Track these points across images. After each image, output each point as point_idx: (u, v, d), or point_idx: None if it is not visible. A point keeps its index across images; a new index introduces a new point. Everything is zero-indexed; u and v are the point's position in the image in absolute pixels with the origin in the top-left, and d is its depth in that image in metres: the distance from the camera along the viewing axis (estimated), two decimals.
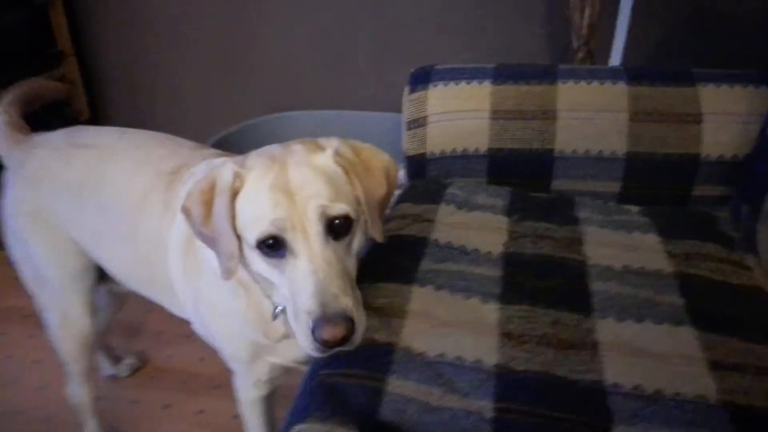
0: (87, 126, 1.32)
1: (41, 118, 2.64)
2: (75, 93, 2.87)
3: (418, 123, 1.49)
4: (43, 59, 2.68)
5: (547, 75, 1.45)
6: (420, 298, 1.06)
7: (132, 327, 2.01)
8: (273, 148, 0.93)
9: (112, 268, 1.27)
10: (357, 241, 0.90)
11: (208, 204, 0.89)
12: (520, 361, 0.92)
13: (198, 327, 1.18)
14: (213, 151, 1.21)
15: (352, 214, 0.86)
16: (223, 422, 1.63)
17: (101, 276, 1.35)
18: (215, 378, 1.78)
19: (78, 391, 1.47)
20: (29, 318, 2.07)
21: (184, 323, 1.25)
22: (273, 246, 0.84)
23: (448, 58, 1.62)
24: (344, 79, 2.73)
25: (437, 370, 0.91)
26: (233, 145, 2.14)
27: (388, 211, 2.15)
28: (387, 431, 0.82)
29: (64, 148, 1.24)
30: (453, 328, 0.99)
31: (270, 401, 1.24)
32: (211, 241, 0.91)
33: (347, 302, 0.81)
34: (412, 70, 1.56)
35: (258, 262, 0.88)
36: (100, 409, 1.53)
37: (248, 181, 0.87)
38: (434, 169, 1.52)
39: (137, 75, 2.96)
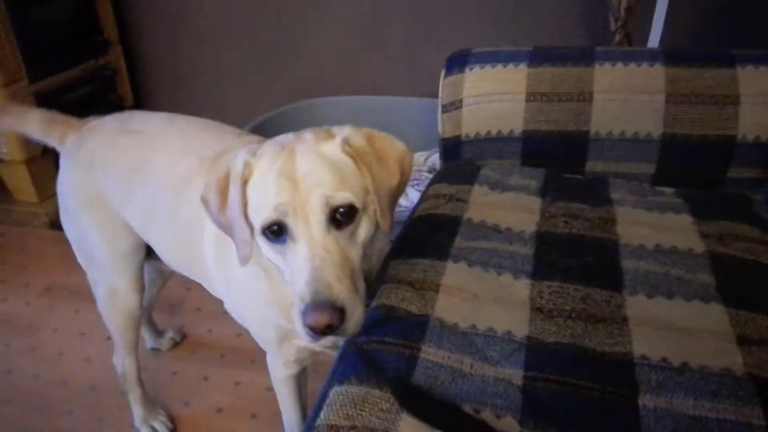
0: (138, 111, 1.36)
1: (87, 104, 2.76)
2: (119, 80, 2.96)
3: (453, 105, 1.51)
4: (89, 47, 2.77)
5: (584, 57, 1.45)
6: (453, 273, 1.09)
7: (173, 303, 2.09)
8: (286, 137, 0.94)
9: (159, 249, 1.32)
10: (363, 229, 0.89)
11: (224, 193, 0.92)
12: (550, 334, 0.95)
13: (230, 308, 1.22)
14: (255, 137, 1.25)
15: (357, 204, 0.86)
16: (258, 394, 1.69)
17: (148, 254, 1.41)
18: (251, 353, 1.84)
19: (124, 362, 1.53)
20: (75, 294, 2.18)
21: (221, 301, 1.31)
22: (276, 232, 0.86)
23: (483, 43, 1.63)
24: (379, 65, 2.76)
25: (469, 340, 0.94)
26: (271, 130, 2.19)
27: (407, 204, 2.18)
28: (420, 395, 0.86)
29: (117, 134, 1.29)
30: (485, 301, 1.02)
31: (301, 378, 1.29)
32: (227, 229, 0.94)
33: (340, 291, 0.81)
34: (449, 54, 1.58)
35: (265, 248, 0.90)
36: (143, 380, 1.60)
37: (257, 168, 0.89)
38: (468, 151, 1.54)
39: (179, 62, 3.04)
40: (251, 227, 0.90)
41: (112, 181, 1.27)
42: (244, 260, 0.92)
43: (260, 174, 0.88)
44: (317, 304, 0.79)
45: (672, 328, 0.94)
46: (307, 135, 0.92)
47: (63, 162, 1.35)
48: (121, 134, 1.28)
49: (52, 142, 1.38)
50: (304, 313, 0.80)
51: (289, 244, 0.86)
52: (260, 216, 0.86)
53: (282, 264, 0.89)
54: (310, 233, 0.83)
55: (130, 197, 1.26)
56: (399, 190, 0.94)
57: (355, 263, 0.87)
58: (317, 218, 0.83)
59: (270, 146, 0.92)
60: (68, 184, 1.34)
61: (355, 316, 0.83)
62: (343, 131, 0.92)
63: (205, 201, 0.96)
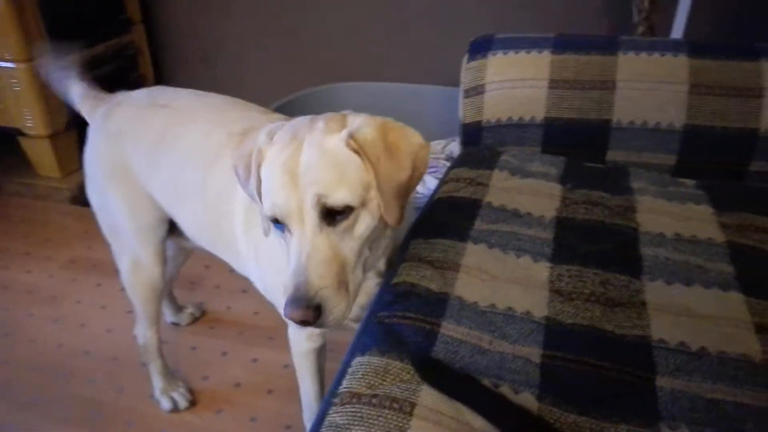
0: (166, 87, 1.39)
1: (109, 82, 2.78)
2: (141, 59, 2.99)
3: (475, 91, 1.52)
4: (113, 25, 2.80)
5: (608, 45, 1.46)
6: (473, 254, 1.10)
7: (193, 280, 2.12)
8: (302, 121, 0.94)
9: (184, 223, 1.35)
10: (363, 224, 0.89)
11: (248, 167, 0.95)
12: (568, 315, 0.96)
13: (257, 282, 1.25)
14: (279, 115, 1.27)
15: (353, 203, 0.86)
16: (275, 371, 1.73)
17: (170, 229, 1.44)
18: (269, 330, 1.88)
19: (145, 333, 1.57)
20: (97, 267, 2.22)
21: (240, 279, 1.33)
22: (277, 220, 0.89)
23: (504, 31, 1.63)
24: (400, 52, 2.77)
25: (488, 318, 0.96)
26: (291, 113, 2.21)
27: (424, 190, 2.19)
28: (439, 369, 0.88)
29: (145, 107, 1.31)
30: (504, 282, 1.04)
31: (321, 353, 1.31)
32: (254, 201, 0.97)
33: (320, 289, 0.82)
34: (472, 39, 1.59)
35: (273, 228, 0.94)
36: (163, 352, 1.63)
37: (268, 155, 0.91)
38: (489, 137, 1.55)
39: (200, 42, 3.06)
40: None
41: (139, 153, 1.29)
42: (266, 232, 0.96)
43: (270, 161, 0.90)
44: (295, 299, 0.82)
45: (690, 314, 0.95)
46: (320, 124, 0.91)
47: (91, 133, 1.38)
48: (149, 108, 1.31)
49: (84, 112, 1.42)
50: (284, 305, 0.83)
51: (286, 233, 0.89)
52: (265, 204, 0.89)
53: (286, 248, 0.91)
54: (302, 229, 0.85)
55: (156, 170, 1.29)
56: (411, 184, 0.92)
57: (348, 258, 0.88)
58: (309, 215, 0.85)
59: (284, 133, 0.92)
60: (95, 154, 1.37)
61: (335, 312, 0.84)
62: (356, 121, 0.91)
63: (235, 171, 0.99)
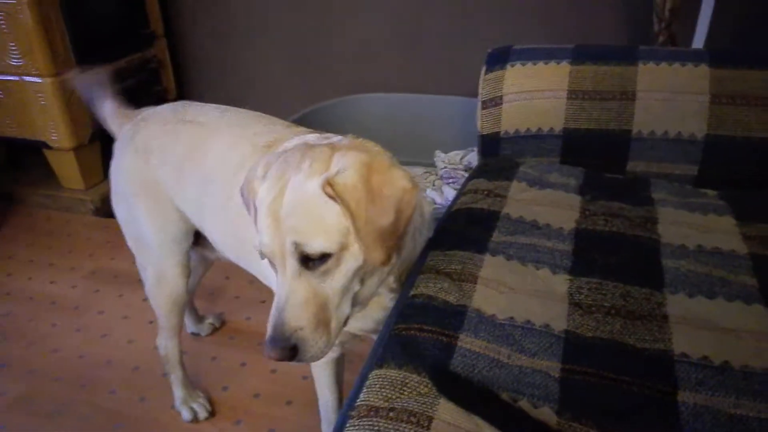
0: (191, 102, 1.41)
1: (132, 95, 2.83)
2: (164, 72, 3.04)
3: (493, 102, 1.52)
4: (136, 39, 2.85)
5: (628, 55, 1.45)
6: (491, 266, 1.10)
7: (213, 291, 2.14)
8: (292, 156, 0.92)
9: (210, 235, 1.36)
10: (344, 268, 0.89)
11: (248, 196, 0.97)
12: (589, 329, 0.95)
13: None
14: (304, 129, 1.27)
15: (331, 249, 0.86)
16: (294, 381, 1.73)
17: (195, 240, 1.45)
18: None
19: (167, 344, 1.58)
20: (119, 278, 2.25)
21: (260, 289, 1.34)
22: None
23: (522, 42, 1.63)
24: (418, 63, 2.78)
25: (506, 332, 0.95)
26: (310, 124, 2.23)
27: (442, 201, 2.19)
28: (457, 382, 0.87)
29: (172, 123, 1.33)
30: (523, 295, 1.03)
31: (339, 364, 1.32)
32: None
33: (296, 330, 0.85)
34: (490, 50, 1.59)
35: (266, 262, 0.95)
36: (184, 364, 1.64)
37: (259, 193, 0.92)
38: (507, 148, 1.55)
39: (221, 56, 3.11)
40: None
41: (167, 168, 1.31)
42: (261, 257, 0.95)
43: (259, 200, 0.91)
44: (272, 339, 0.85)
45: (713, 328, 0.94)
46: (305, 164, 0.89)
47: (118, 148, 1.40)
48: (176, 124, 1.32)
49: (113, 129, 1.46)
50: (265, 342, 0.86)
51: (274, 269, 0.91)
52: (256, 240, 0.91)
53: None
54: (283, 272, 0.88)
55: (184, 184, 1.30)
56: (397, 227, 0.89)
57: (329, 298, 0.89)
58: (289, 261, 0.87)
59: (274, 170, 0.92)
60: (122, 169, 1.39)
61: (312, 350, 0.87)
62: (340, 161, 0.88)
63: (241, 193, 1.01)
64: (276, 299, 0.88)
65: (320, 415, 1.39)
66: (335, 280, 0.89)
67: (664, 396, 0.84)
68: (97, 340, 1.97)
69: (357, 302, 0.98)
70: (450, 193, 2.42)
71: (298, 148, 0.95)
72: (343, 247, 0.87)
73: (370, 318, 1.11)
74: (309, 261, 0.86)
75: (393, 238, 0.89)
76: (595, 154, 1.46)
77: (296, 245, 0.85)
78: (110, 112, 1.47)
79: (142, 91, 2.88)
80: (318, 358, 0.89)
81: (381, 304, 1.10)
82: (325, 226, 0.86)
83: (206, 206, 1.29)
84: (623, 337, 0.93)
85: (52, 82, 2.45)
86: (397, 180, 0.89)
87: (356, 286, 0.93)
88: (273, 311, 0.87)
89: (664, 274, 1.06)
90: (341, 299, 0.91)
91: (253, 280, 1.33)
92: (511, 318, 0.98)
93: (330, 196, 0.86)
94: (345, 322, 0.94)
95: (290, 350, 0.85)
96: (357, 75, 2.89)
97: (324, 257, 0.86)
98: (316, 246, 0.85)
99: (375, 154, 0.92)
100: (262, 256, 0.91)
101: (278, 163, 0.93)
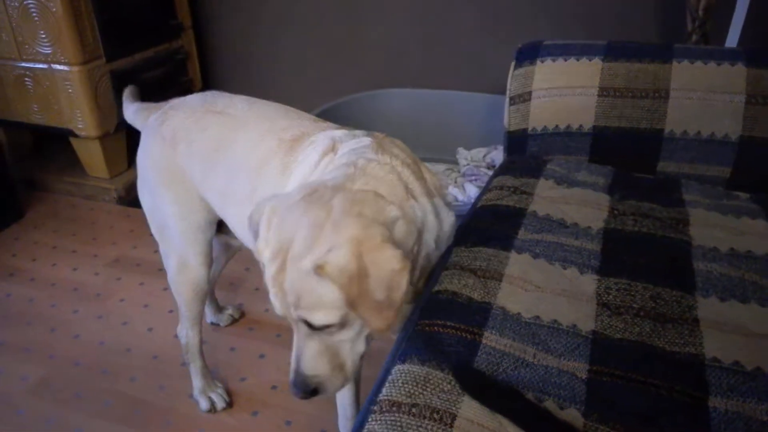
0: (220, 92, 1.40)
1: (159, 85, 2.85)
2: (190, 63, 3.05)
3: (522, 98, 1.50)
4: (164, 31, 2.86)
5: (662, 53, 1.42)
6: (517, 264, 1.08)
7: (233, 282, 2.14)
8: (293, 212, 0.91)
9: (234, 226, 1.36)
10: (350, 330, 0.92)
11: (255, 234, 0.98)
12: (617, 330, 0.93)
13: None
14: (330, 124, 1.27)
15: (333, 321, 0.89)
16: None
17: (218, 228, 1.45)
18: None
19: (188, 333, 1.58)
20: (141, 267, 2.26)
21: None
22: None
23: (551, 38, 1.61)
24: (444, 58, 2.76)
25: (532, 331, 0.93)
26: (334, 119, 2.23)
27: (464, 199, 2.17)
28: (481, 380, 0.86)
29: (201, 113, 1.33)
30: (549, 294, 1.01)
31: None
32: None
33: (314, 377, 0.92)
34: (520, 46, 1.56)
35: None
36: (203, 354, 1.65)
37: (263, 257, 0.92)
38: (534, 145, 1.52)
39: (247, 49, 3.11)
40: None
41: (194, 158, 1.31)
42: None
43: (265, 265, 0.92)
44: (294, 385, 0.94)
45: (746, 333, 0.91)
46: (301, 233, 0.88)
47: (145, 136, 1.41)
48: (205, 114, 1.32)
49: (138, 124, 1.48)
50: (290, 383, 0.95)
51: None
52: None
53: None
54: (296, 330, 0.93)
55: (210, 175, 1.30)
56: (390, 302, 0.87)
57: (340, 347, 0.93)
58: (299, 326, 0.92)
59: (274, 235, 0.91)
60: (149, 157, 1.39)
61: (331, 389, 0.95)
62: (332, 239, 0.86)
63: (249, 220, 1.01)
64: (294, 349, 0.94)
65: (337, 409, 1.38)
66: (344, 334, 0.93)
67: (695, 401, 0.82)
68: (117, 328, 1.98)
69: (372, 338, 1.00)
70: (472, 190, 2.39)
71: (300, 199, 0.92)
72: (345, 317, 0.89)
73: None
74: (316, 326, 0.90)
75: (390, 309, 0.87)
76: (625, 153, 1.43)
77: (302, 318, 0.89)
78: (134, 110, 1.51)
79: (168, 82, 2.90)
80: (335, 392, 0.97)
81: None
82: (323, 303, 0.87)
83: (230, 197, 1.29)
84: (653, 340, 0.91)
85: (80, 71, 2.47)
86: (385, 262, 0.86)
87: (366, 331, 0.95)
88: (293, 359, 0.94)
89: (695, 277, 1.04)
90: (352, 345, 0.95)
91: None
92: (537, 317, 0.96)
93: (324, 276, 0.86)
94: (362, 358, 0.98)
95: (311, 392, 0.94)
96: (383, 69, 2.87)
97: (329, 325, 0.90)
98: (317, 319, 0.89)
99: (368, 226, 0.88)
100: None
101: (278, 223, 0.92)
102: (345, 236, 0.86)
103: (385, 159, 1.02)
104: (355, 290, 0.85)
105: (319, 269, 0.85)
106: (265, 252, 0.92)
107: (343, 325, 0.90)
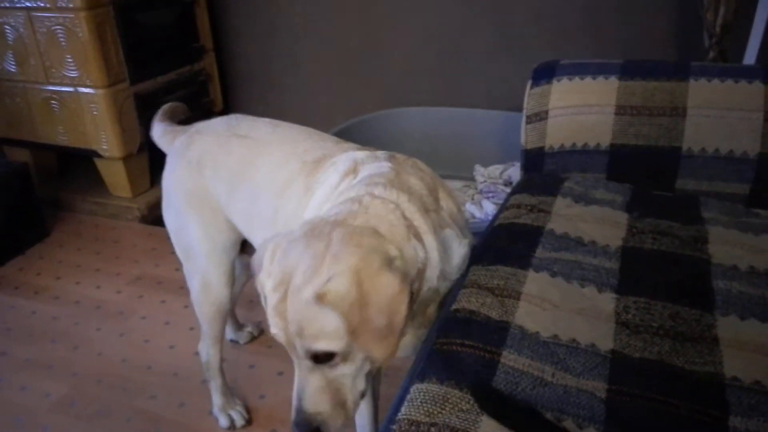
0: (244, 116, 1.43)
1: None
2: (212, 85, 3.11)
3: (538, 117, 1.51)
4: (186, 53, 2.93)
5: (678, 72, 1.42)
6: (534, 282, 1.08)
7: (252, 300, 2.16)
8: (296, 247, 0.92)
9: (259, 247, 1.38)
10: (353, 361, 0.92)
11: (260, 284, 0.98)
12: (636, 349, 0.93)
13: None
14: (353, 145, 1.29)
15: (336, 349, 0.88)
16: None
17: (241, 248, 1.48)
18: None
19: (209, 351, 1.60)
20: (162, 285, 2.29)
21: None
22: None
23: (566, 58, 1.62)
24: (459, 77, 2.78)
25: (551, 350, 0.93)
26: (351, 137, 2.26)
27: (481, 216, 2.17)
28: (500, 399, 0.86)
29: (225, 137, 1.36)
30: (567, 312, 1.01)
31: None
32: None
33: (316, 415, 0.92)
34: (536, 65, 1.58)
35: None
36: (223, 371, 1.66)
37: (266, 288, 0.94)
38: (551, 163, 1.53)
39: (267, 70, 3.17)
40: None
41: (220, 181, 1.34)
42: None
43: (268, 296, 0.93)
44: (296, 423, 0.93)
45: (766, 352, 0.90)
46: (303, 265, 0.89)
47: (171, 159, 1.44)
48: (230, 138, 1.35)
49: (164, 146, 1.51)
50: (292, 424, 0.94)
51: None
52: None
53: None
54: (298, 364, 0.93)
55: (235, 197, 1.33)
56: (391, 327, 0.88)
57: (342, 383, 0.93)
58: (302, 359, 0.92)
59: (277, 267, 0.92)
60: (175, 179, 1.42)
61: (333, 427, 0.94)
62: (332, 268, 0.87)
63: (252, 266, 1.02)
64: (295, 386, 0.94)
65: (356, 427, 1.39)
66: (346, 368, 0.92)
67: (714, 421, 0.81)
68: (139, 345, 2.01)
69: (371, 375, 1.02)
70: (489, 207, 2.40)
71: (302, 234, 0.94)
72: (348, 347, 0.89)
73: (401, 349, 1.10)
74: (318, 357, 0.90)
75: (391, 336, 0.89)
76: (642, 170, 1.43)
77: (305, 348, 0.90)
78: (160, 133, 1.54)
79: (190, 103, 2.91)
80: (339, 428, 0.96)
81: (411, 341, 1.11)
82: (325, 331, 0.88)
83: (255, 218, 1.31)
84: (672, 359, 0.91)
85: (105, 94, 2.53)
86: (386, 286, 0.88)
87: (368, 367, 0.95)
88: (294, 397, 0.94)
89: (714, 296, 1.03)
90: (354, 381, 0.95)
91: None
92: (556, 336, 0.96)
93: (326, 304, 0.87)
94: (362, 396, 0.98)
95: (315, 430, 0.93)
96: (401, 88, 2.91)
97: (331, 355, 0.90)
98: (321, 347, 0.89)
99: (366, 254, 0.89)
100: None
101: (280, 257, 0.93)
102: (344, 265, 0.87)
103: (392, 195, 1.01)
104: (357, 317, 0.87)
105: (320, 298, 0.86)
106: (267, 283, 0.93)
107: (345, 357, 0.90)
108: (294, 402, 0.94)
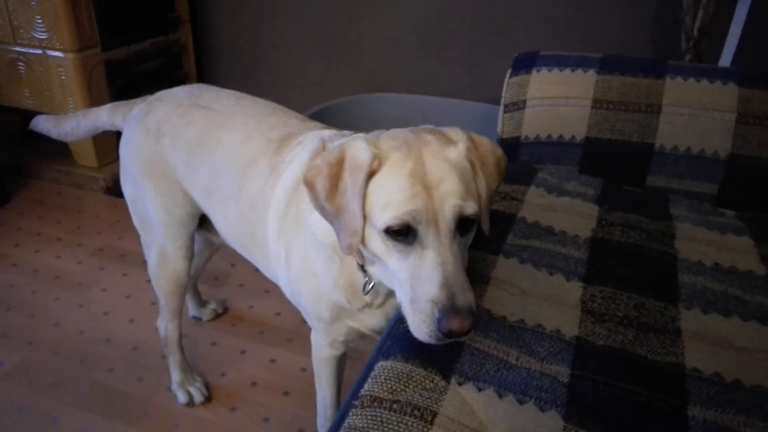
0: (207, 86, 1.39)
1: (153, 78, 2.84)
2: (186, 57, 3.04)
3: (516, 106, 1.51)
4: (161, 23, 2.86)
5: (656, 69, 1.43)
6: (504, 268, 1.09)
7: (217, 277, 2.13)
8: (404, 134, 0.91)
9: (217, 223, 1.35)
10: (471, 234, 0.90)
11: (335, 178, 0.88)
12: (600, 337, 0.94)
13: (284, 286, 1.23)
14: (318, 123, 1.26)
15: (478, 212, 0.86)
16: (292, 373, 1.72)
17: (201, 223, 1.44)
18: (289, 332, 1.87)
19: (167, 326, 1.57)
20: (125, 258, 2.24)
21: (264, 279, 1.32)
22: (400, 232, 0.83)
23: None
24: (439, 66, 2.77)
25: (516, 334, 0.93)
26: (328, 119, 2.23)
27: None
28: (465, 380, 0.86)
29: (186, 106, 1.32)
30: (534, 299, 1.01)
31: (341, 361, 1.30)
32: (332, 216, 0.90)
33: (472, 297, 0.81)
34: (517, 54, 1.58)
35: (378, 244, 0.87)
36: (183, 346, 1.63)
37: (386, 165, 0.86)
38: (526, 153, 1.53)
39: (244, 46, 3.11)
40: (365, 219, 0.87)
41: (178, 152, 1.30)
42: (350, 249, 0.88)
43: (389, 171, 0.85)
44: (459, 309, 0.78)
45: (727, 345, 0.92)
46: (428, 137, 0.89)
47: (128, 127, 1.39)
48: (190, 108, 1.31)
49: (118, 123, 1.45)
50: (443, 317, 0.78)
51: (415, 247, 0.84)
52: (387, 215, 0.83)
53: (395, 263, 0.86)
54: (440, 240, 0.83)
55: (194, 170, 1.29)
56: (495, 194, 0.94)
57: (466, 258, 0.90)
58: (448, 226, 0.83)
59: (393, 142, 0.88)
60: (132, 147, 1.37)
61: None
62: (459, 135, 0.91)
63: (310, 184, 0.90)
64: (439, 270, 0.81)
65: (317, 409, 1.37)
66: (464, 248, 0.89)
67: (674, 409, 0.82)
68: (98, 317, 1.96)
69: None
70: None
71: (400, 131, 0.93)
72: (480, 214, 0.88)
73: (384, 317, 1.09)
74: (460, 227, 0.85)
75: (492, 204, 0.93)
76: (615, 165, 1.45)
77: (459, 207, 0.83)
78: (107, 113, 1.47)
79: (162, 74, 2.89)
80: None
81: (394, 304, 1.08)
82: (471, 191, 0.86)
83: (215, 194, 1.28)
84: (635, 348, 0.92)
85: (75, 58, 2.46)
86: (495, 148, 0.96)
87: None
88: (442, 280, 0.80)
89: (679, 289, 1.05)
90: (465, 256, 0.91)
91: (258, 270, 1.32)
92: (522, 321, 0.96)
93: (470, 163, 0.89)
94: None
95: (474, 316, 0.80)
96: (379, 73, 2.88)
97: (471, 223, 0.86)
98: (470, 208, 0.84)
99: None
100: (393, 230, 0.84)
101: (389, 140, 0.89)
102: (464, 133, 0.92)
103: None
104: (492, 179, 0.91)
105: (468, 153, 0.88)
106: (392, 157, 0.86)
107: (475, 226, 0.89)
108: (443, 287, 0.80)
